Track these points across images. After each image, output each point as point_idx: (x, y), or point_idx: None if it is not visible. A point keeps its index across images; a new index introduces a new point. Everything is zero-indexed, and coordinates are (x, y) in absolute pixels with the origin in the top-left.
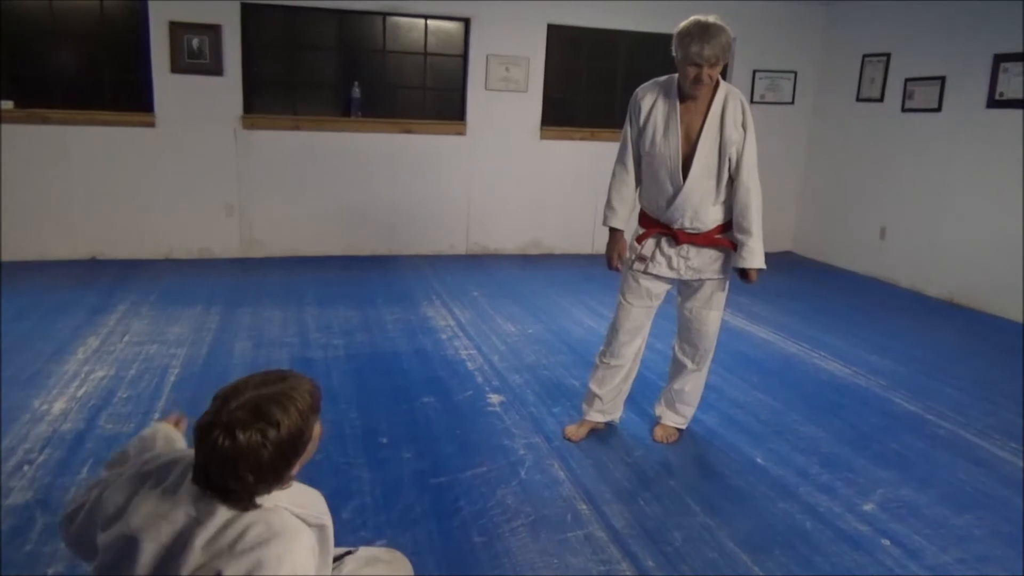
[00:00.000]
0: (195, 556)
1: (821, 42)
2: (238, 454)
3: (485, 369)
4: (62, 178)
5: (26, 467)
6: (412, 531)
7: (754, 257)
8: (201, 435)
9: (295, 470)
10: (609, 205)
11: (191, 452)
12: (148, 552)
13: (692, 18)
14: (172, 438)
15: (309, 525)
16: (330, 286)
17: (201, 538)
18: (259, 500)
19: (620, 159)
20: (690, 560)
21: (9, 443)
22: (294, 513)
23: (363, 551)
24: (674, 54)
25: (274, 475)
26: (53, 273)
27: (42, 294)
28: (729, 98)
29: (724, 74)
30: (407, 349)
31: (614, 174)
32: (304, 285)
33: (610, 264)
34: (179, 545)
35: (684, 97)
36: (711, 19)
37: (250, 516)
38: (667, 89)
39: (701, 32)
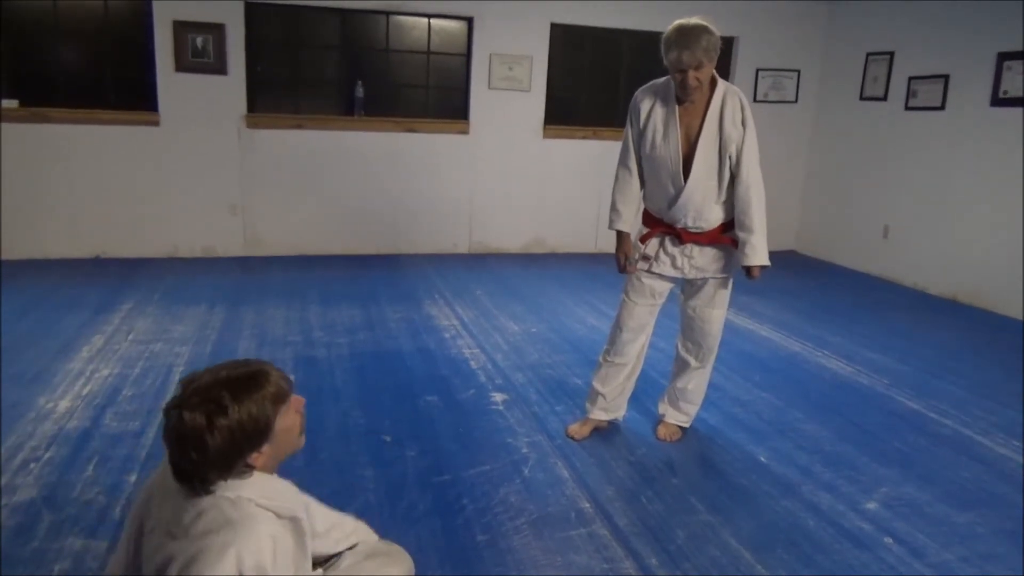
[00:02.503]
0: (156, 539)
1: (824, 40)
2: (184, 433)
3: (488, 368)
4: (66, 177)
5: (32, 465)
6: (415, 529)
7: (757, 254)
8: (165, 415)
9: (255, 460)
10: (614, 208)
11: None
12: (144, 542)
13: (675, 23)
14: None
15: (280, 517)
16: (333, 285)
17: (163, 523)
18: (220, 488)
19: (623, 161)
20: (693, 558)
21: (15, 441)
22: (260, 504)
23: (362, 545)
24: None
25: (223, 461)
26: (58, 271)
27: (47, 292)
28: (728, 97)
29: (726, 73)
30: (410, 348)
31: (617, 176)
32: (307, 284)
33: (620, 267)
34: (149, 529)
35: (681, 99)
36: (693, 22)
37: (208, 501)
38: (665, 91)
39: (680, 38)
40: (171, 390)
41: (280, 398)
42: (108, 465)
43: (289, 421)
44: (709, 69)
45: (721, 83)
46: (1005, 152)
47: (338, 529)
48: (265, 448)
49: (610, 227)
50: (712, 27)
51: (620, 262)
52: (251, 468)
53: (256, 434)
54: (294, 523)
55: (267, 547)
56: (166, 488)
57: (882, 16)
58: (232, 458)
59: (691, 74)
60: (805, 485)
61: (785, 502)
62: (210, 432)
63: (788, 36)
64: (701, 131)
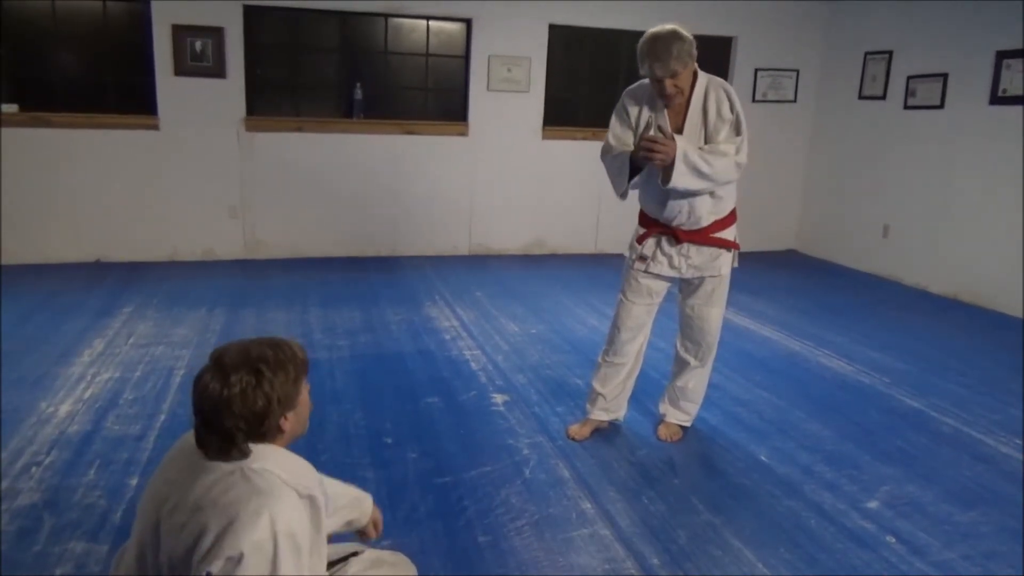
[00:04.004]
0: (183, 515)
1: (823, 40)
2: (232, 396)
3: (489, 369)
4: (66, 181)
5: (34, 469)
6: (417, 530)
7: (678, 147)
8: (196, 382)
9: (285, 425)
10: (610, 158)
11: None
12: (158, 517)
13: (647, 33)
14: None
15: (300, 496)
16: (333, 287)
17: (190, 498)
18: (250, 456)
19: (606, 151)
20: (695, 558)
21: (17, 445)
22: (284, 479)
23: (369, 553)
24: None
25: (264, 416)
26: (58, 276)
27: (48, 297)
28: (710, 89)
29: (725, 73)
30: (411, 350)
31: (604, 163)
32: (308, 286)
33: (654, 148)
34: (174, 507)
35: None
36: (666, 29)
37: (235, 476)
38: (651, 91)
39: (651, 49)
40: (171, 393)
41: (304, 367)
42: (109, 469)
43: (306, 395)
44: (686, 74)
45: (702, 76)
46: (1004, 150)
47: (338, 498)
48: (291, 415)
49: (620, 192)
50: (683, 32)
51: (652, 145)
52: (281, 432)
53: (288, 397)
54: (311, 501)
55: (295, 515)
56: (181, 472)
57: (880, 15)
58: (272, 417)
59: (668, 83)
60: (807, 484)
61: (787, 501)
62: (258, 389)
63: (787, 36)
64: (684, 126)
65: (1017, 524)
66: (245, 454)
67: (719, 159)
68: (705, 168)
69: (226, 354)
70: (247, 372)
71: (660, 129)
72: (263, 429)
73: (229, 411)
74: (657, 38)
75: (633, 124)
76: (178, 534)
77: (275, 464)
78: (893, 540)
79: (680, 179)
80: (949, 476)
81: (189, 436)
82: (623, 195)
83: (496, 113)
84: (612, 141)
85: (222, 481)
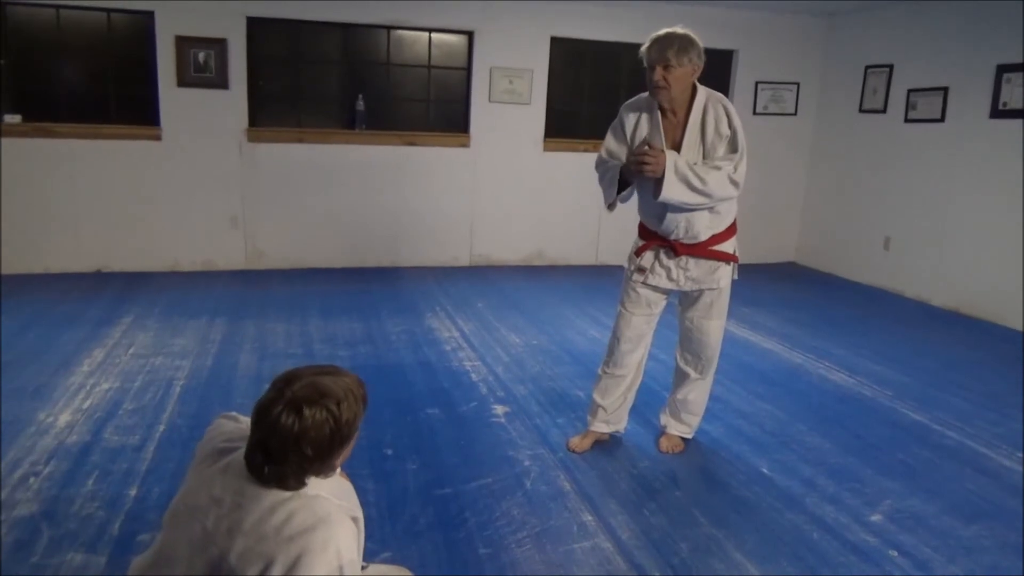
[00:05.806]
0: (241, 540)
1: (823, 53)
2: (303, 429)
3: (489, 380)
4: (68, 191)
5: (32, 479)
6: (417, 543)
7: (668, 160)
8: (262, 413)
9: (341, 458)
10: (603, 170)
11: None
12: (196, 532)
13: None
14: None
15: (348, 516)
16: (334, 298)
17: (247, 522)
18: (307, 487)
19: (600, 164)
20: (697, 571)
21: (15, 455)
22: (335, 504)
23: (372, 568)
24: None
25: (329, 453)
26: (59, 286)
27: (48, 307)
28: (709, 104)
29: (725, 86)
30: (411, 361)
31: (597, 171)
32: (308, 297)
33: (643, 160)
34: (224, 529)
35: (665, 110)
36: (678, 29)
37: (295, 502)
38: (649, 105)
39: (656, 38)
40: (171, 404)
41: (365, 401)
42: (108, 479)
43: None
44: (681, 74)
45: (702, 90)
46: (1005, 164)
47: None
48: (348, 449)
49: (610, 203)
50: (694, 36)
51: (642, 157)
52: (336, 467)
53: (351, 433)
54: (356, 523)
55: (353, 543)
56: (228, 491)
57: (881, 29)
58: (335, 451)
59: (659, 71)
60: (809, 497)
61: (789, 515)
62: (328, 424)
63: (787, 49)
64: (683, 140)
65: (1019, 538)
66: (303, 485)
67: (711, 173)
68: (696, 182)
69: (294, 386)
70: (320, 408)
71: (649, 144)
72: (327, 464)
73: (300, 446)
74: (668, 31)
75: (628, 138)
76: (242, 562)
77: (327, 488)
78: (896, 554)
79: (671, 191)
80: (952, 490)
81: (237, 456)
82: (610, 207)
83: (497, 125)
84: (604, 155)
85: (281, 508)
